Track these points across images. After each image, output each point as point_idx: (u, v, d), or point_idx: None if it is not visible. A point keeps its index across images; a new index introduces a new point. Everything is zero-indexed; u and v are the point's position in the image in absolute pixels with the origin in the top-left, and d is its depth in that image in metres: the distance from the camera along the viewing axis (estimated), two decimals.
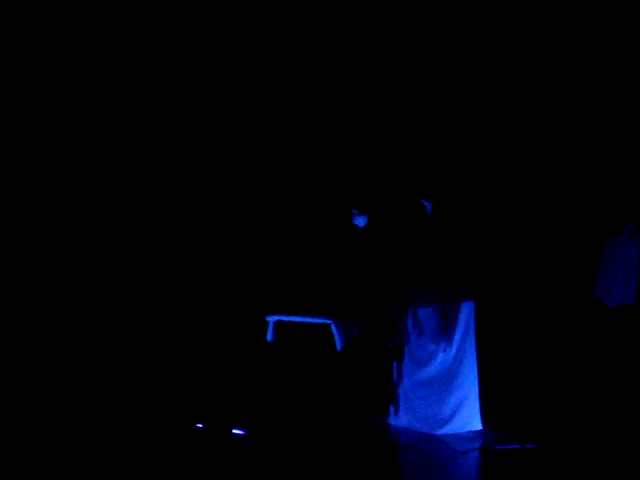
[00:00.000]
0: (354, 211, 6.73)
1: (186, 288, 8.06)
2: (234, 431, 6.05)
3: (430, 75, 8.41)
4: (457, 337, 6.14)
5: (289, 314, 7.37)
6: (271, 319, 7.40)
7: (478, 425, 6.06)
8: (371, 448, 5.76)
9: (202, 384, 6.95)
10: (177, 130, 8.47)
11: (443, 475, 5.27)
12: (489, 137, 8.47)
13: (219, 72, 8.49)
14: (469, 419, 6.06)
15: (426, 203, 6.38)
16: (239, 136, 8.59)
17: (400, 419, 6.26)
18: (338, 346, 7.23)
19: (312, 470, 5.30)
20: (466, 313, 6.21)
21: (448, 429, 6.02)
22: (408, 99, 8.46)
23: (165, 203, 8.44)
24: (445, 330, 6.17)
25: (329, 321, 7.23)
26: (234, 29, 8.42)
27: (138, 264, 8.17)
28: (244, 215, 8.43)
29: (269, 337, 7.35)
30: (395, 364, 6.38)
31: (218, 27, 8.42)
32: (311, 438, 5.93)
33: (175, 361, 7.26)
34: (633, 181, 7.80)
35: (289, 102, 8.55)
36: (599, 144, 8.11)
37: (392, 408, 6.32)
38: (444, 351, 6.11)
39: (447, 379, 6.08)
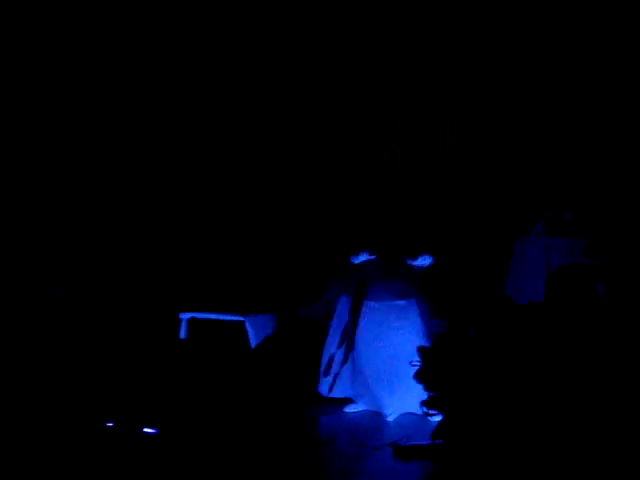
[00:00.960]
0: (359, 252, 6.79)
1: (99, 285, 7.95)
2: (145, 430, 5.98)
3: (353, 75, 8.47)
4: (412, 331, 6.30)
5: (203, 311, 7.33)
6: (184, 316, 7.35)
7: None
8: (285, 445, 5.75)
9: (113, 382, 6.84)
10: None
11: (353, 471, 5.30)
12: (405, 136, 8.54)
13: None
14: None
15: None
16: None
17: (357, 405, 6.47)
18: (252, 343, 7.22)
19: (225, 469, 5.28)
20: (421, 309, 6.47)
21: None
22: (330, 98, 8.51)
23: (77, 199, 8.31)
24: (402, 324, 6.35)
25: (243, 318, 7.22)
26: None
27: (54, 260, 8.04)
28: (156, 210, 8.35)
29: (182, 335, 7.30)
30: (341, 350, 6.50)
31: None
32: (225, 436, 5.91)
33: (86, 358, 7.15)
34: (542, 180, 7.96)
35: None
36: (510, 144, 8.25)
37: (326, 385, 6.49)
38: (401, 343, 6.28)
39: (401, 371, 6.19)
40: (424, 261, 6.65)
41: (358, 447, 5.67)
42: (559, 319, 5.75)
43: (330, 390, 6.59)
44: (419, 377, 5.64)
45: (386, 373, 6.41)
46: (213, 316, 7.27)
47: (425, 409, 5.66)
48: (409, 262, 6.64)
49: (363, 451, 5.60)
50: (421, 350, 5.77)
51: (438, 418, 5.57)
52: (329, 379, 6.59)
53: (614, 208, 7.75)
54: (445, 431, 5.44)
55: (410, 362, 5.81)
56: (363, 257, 6.68)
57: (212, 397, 6.59)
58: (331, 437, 5.90)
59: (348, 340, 6.55)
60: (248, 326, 7.17)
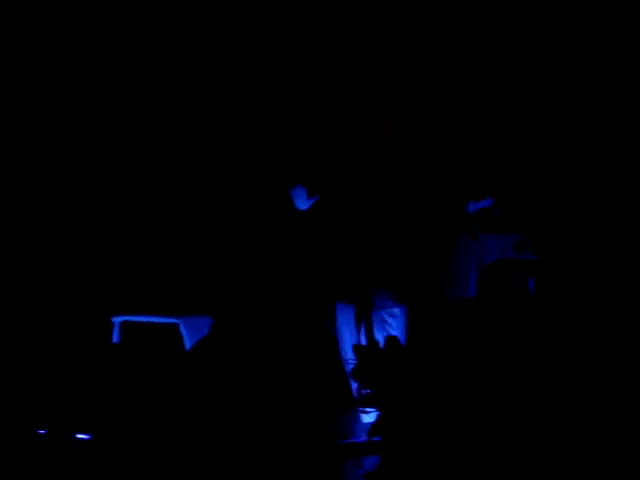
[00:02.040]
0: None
1: (30, 287, 7.82)
2: (78, 436, 5.90)
3: (288, 76, 8.48)
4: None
5: (136, 314, 7.25)
6: (117, 320, 7.26)
7: None
8: (217, 449, 5.73)
9: (44, 387, 6.73)
10: None
11: (285, 469, 5.30)
12: (338, 134, 8.57)
13: None
14: None
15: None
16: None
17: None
18: (187, 345, 7.16)
19: (158, 475, 5.23)
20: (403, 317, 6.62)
21: None
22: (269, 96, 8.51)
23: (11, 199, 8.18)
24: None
25: (177, 320, 7.16)
26: None
27: None
28: (86, 211, 8.24)
29: (115, 338, 7.22)
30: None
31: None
32: (159, 441, 5.85)
33: (16, 363, 7.01)
34: (476, 177, 8.05)
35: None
36: (445, 144, 8.33)
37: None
38: None
39: None
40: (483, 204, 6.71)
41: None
42: (490, 314, 5.81)
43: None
44: (354, 375, 5.66)
45: None
46: (146, 319, 7.20)
47: (361, 407, 5.68)
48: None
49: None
50: (356, 348, 5.79)
51: (373, 416, 5.58)
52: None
53: (543, 203, 7.88)
54: (382, 428, 5.46)
55: (346, 360, 5.83)
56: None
57: (146, 401, 6.53)
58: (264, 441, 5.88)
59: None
60: (182, 328, 7.11)
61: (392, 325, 6.69)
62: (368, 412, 5.72)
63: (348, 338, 6.73)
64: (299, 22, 8.33)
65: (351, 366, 5.75)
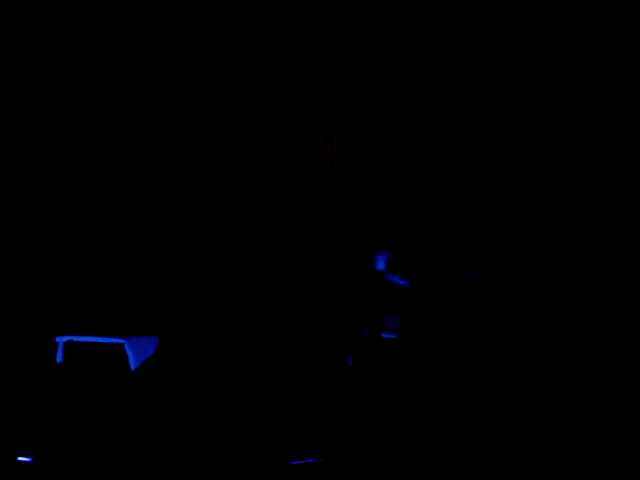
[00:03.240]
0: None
1: None
2: (20, 459, 5.78)
3: (235, 91, 8.47)
4: None
5: (80, 334, 7.15)
6: (61, 340, 7.16)
7: None
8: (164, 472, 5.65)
9: None
10: None
11: None
12: (286, 153, 8.58)
13: None
14: None
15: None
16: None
17: None
18: (132, 366, 7.08)
19: None
20: None
21: None
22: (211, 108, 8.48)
23: None
24: None
25: (123, 340, 7.07)
26: None
27: None
28: (29, 227, 8.13)
29: (59, 358, 7.11)
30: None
31: None
32: (103, 463, 5.75)
33: None
34: (421, 197, 8.11)
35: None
36: (390, 163, 8.38)
37: None
38: None
39: None
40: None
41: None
42: (437, 332, 5.84)
43: None
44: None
45: None
46: (91, 339, 7.10)
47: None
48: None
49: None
50: None
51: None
52: None
53: (490, 223, 7.95)
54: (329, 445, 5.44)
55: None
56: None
57: (90, 422, 6.42)
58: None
59: None
60: (128, 348, 7.02)
61: None
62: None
63: None
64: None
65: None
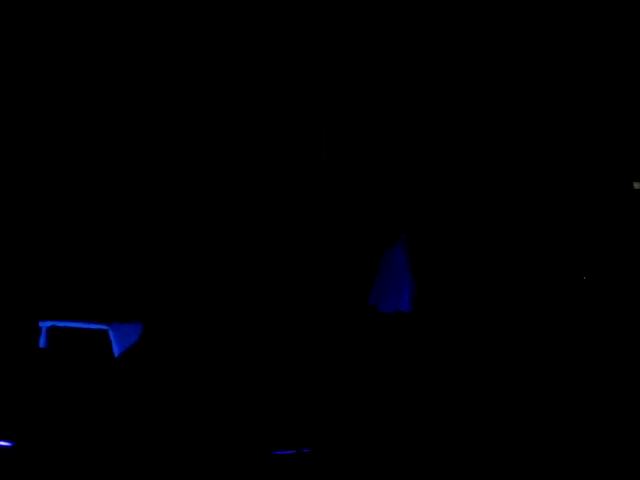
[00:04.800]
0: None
1: None
2: (0, 443, 5.76)
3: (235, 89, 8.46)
4: None
5: (64, 319, 7.12)
6: (44, 325, 7.13)
7: None
8: (142, 456, 5.64)
9: None
10: None
11: None
12: (281, 144, 8.57)
13: None
14: None
15: None
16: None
17: None
18: (115, 352, 7.06)
19: None
20: None
21: None
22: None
23: None
24: None
25: (106, 327, 7.05)
26: None
27: None
28: (13, 215, 8.10)
29: (42, 343, 7.08)
30: None
31: None
32: (85, 449, 5.74)
33: None
34: (408, 191, 8.10)
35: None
36: (379, 155, 8.37)
37: None
38: None
39: None
40: None
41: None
42: (426, 329, 5.84)
43: None
44: None
45: None
46: (75, 324, 7.07)
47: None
48: None
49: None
50: None
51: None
52: None
53: (476, 223, 7.96)
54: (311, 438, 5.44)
55: None
56: None
57: (72, 408, 6.41)
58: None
59: None
60: (112, 335, 7.00)
61: None
62: None
63: None
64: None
65: None
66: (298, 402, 5.91)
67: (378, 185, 8.29)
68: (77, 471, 5.33)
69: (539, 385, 5.69)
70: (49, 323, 7.08)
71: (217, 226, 7.82)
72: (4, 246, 7.99)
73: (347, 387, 6.45)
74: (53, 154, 8.24)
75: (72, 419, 6.29)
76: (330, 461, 5.34)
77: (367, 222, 8.18)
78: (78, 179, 8.26)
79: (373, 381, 6.52)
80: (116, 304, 7.73)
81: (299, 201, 8.44)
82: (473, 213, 7.98)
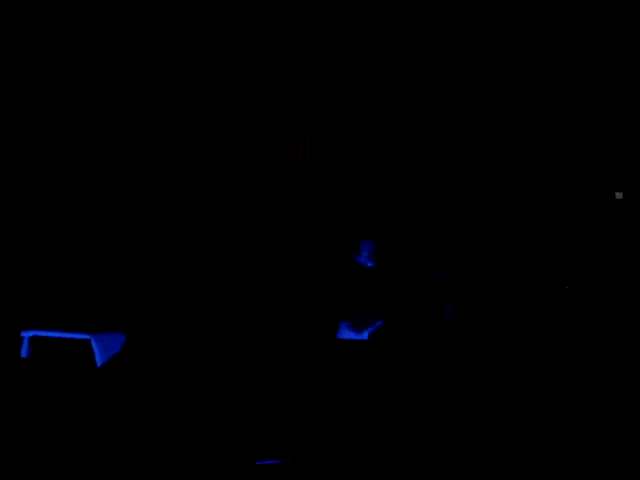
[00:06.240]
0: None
1: None
2: None
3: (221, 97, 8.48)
4: None
5: (46, 329, 7.09)
6: (26, 334, 7.09)
7: None
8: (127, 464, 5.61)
9: None
10: None
11: None
12: (261, 153, 8.59)
13: None
14: None
15: None
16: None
17: None
18: (98, 362, 7.03)
19: None
20: None
21: None
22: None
23: None
24: None
25: (89, 336, 7.02)
26: None
27: None
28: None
29: (24, 353, 7.04)
30: None
31: None
32: (70, 459, 5.71)
33: None
34: (387, 202, 8.13)
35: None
36: (362, 165, 8.40)
37: None
38: None
39: None
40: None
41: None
42: (411, 336, 5.85)
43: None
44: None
45: None
46: (57, 334, 7.03)
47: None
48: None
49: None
50: None
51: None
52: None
53: (463, 230, 7.98)
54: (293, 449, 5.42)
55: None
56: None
57: (54, 418, 6.38)
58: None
59: None
60: (94, 344, 6.97)
61: None
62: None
63: None
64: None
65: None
66: (282, 412, 5.90)
67: (360, 196, 8.32)
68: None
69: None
70: (31, 333, 7.04)
71: (199, 238, 7.81)
72: None
73: (330, 398, 6.45)
74: (31, 163, 8.23)
75: (54, 429, 6.26)
76: (313, 472, 5.32)
77: (349, 232, 8.19)
78: (59, 187, 8.24)
79: (358, 391, 6.52)
80: (99, 314, 7.70)
81: (283, 211, 8.44)
82: (456, 225, 8.02)
